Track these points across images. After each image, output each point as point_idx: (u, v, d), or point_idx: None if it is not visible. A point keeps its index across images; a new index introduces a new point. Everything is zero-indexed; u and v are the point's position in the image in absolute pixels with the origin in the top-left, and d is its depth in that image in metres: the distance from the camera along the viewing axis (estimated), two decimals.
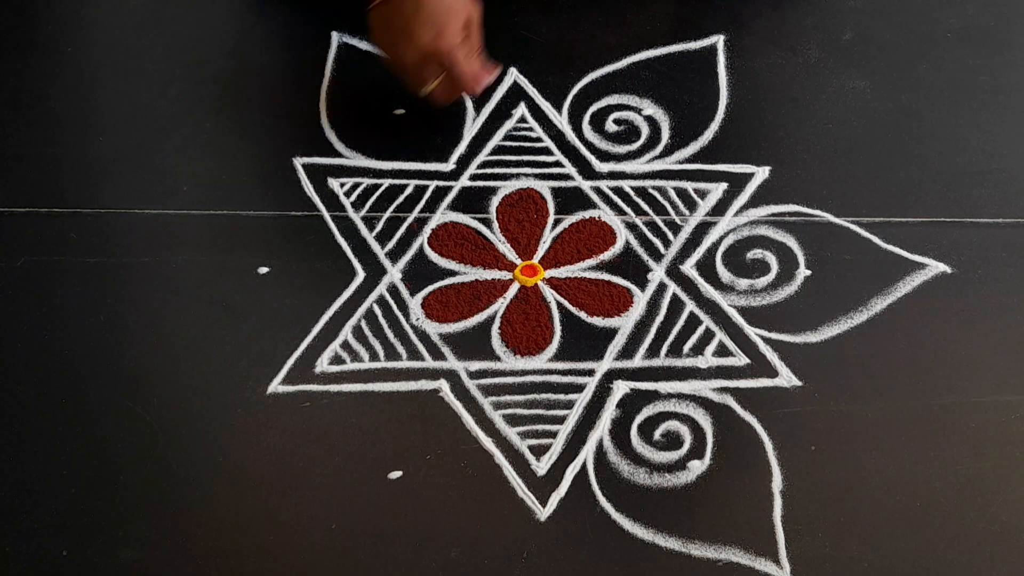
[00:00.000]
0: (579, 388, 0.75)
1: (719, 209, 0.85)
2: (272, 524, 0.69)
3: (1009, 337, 0.78)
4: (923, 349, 0.77)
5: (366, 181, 0.87)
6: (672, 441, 0.73)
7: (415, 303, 0.80)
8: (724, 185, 0.87)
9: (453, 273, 0.82)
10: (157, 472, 0.71)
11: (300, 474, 0.71)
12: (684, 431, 0.73)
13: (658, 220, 0.85)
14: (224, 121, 0.91)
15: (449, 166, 0.88)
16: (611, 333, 0.78)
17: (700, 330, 0.79)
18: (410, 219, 0.85)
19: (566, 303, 0.80)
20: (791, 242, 0.83)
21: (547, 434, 0.73)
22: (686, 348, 0.78)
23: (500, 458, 0.72)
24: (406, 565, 0.68)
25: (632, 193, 0.86)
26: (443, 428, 0.74)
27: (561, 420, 0.74)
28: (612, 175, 0.88)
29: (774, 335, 0.78)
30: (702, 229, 0.84)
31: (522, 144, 0.90)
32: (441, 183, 0.87)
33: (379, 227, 0.84)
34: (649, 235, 0.84)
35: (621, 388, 0.75)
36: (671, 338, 0.78)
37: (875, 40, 0.97)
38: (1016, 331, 0.78)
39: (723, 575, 0.67)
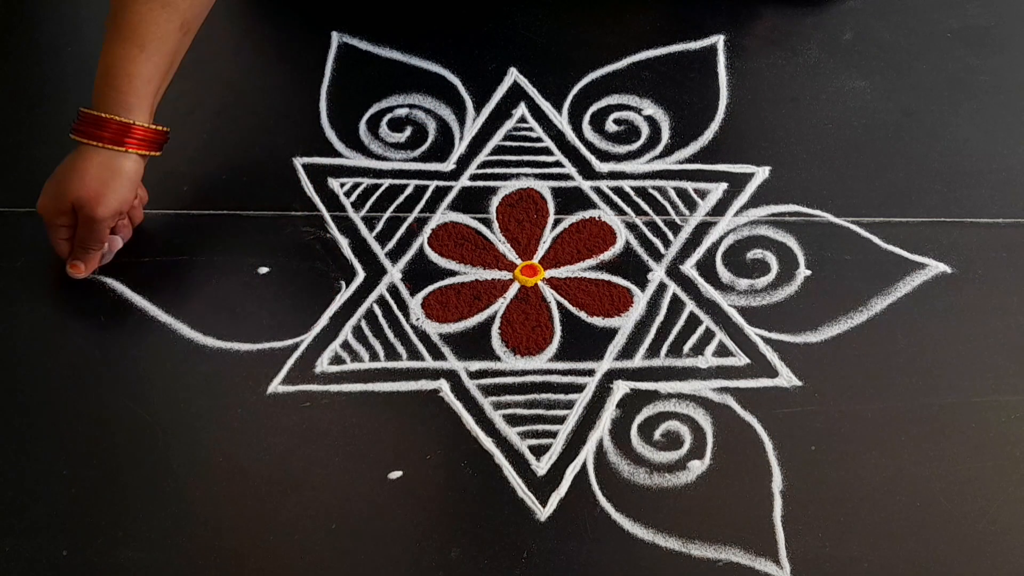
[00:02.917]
0: (579, 388, 0.75)
1: (719, 209, 0.85)
2: (272, 524, 0.69)
3: (1009, 337, 0.78)
4: (923, 349, 0.77)
5: (366, 181, 0.87)
6: (672, 441, 0.73)
7: (415, 303, 0.80)
8: (724, 185, 0.87)
9: (453, 273, 0.82)
10: (157, 472, 0.71)
11: (300, 474, 0.71)
12: (684, 431, 0.73)
13: (658, 220, 0.85)
14: (224, 121, 0.91)
15: (449, 166, 0.88)
16: (611, 333, 0.78)
17: (700, 330, 0.79)
18: (410, 219, 0.85)
19: (566, 303, 0.80)
20: (791, 242, 0.83)
21: (547, 434, 0.73)
22: (686, 348, 0.78)
23: (500, 458, 0.72)
24: (406, 565, 0.68)
25: (632, 193, 0.86)
26: (443, 428, 0.74)
27: (561, 420, 0.74)
28: (612, 175, 0.88)
29: (774, 335, 0.78)
30: (702, 229, 0.84)
31: (522, 144, 0.90)
32: (441, 183, 0.87)
33: (379, 227, 0.84)
34: (649, 235, 0.84)
35: (621, 388, 0.75)
36: (671, 338, 0.78)
37: (875, 40, 0.97)
38: (1016, 331, 0.78)
39: (723, 575, 0.67)
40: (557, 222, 0.85)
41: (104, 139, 0.75)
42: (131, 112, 0.76)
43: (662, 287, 0.81)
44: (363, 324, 0.79)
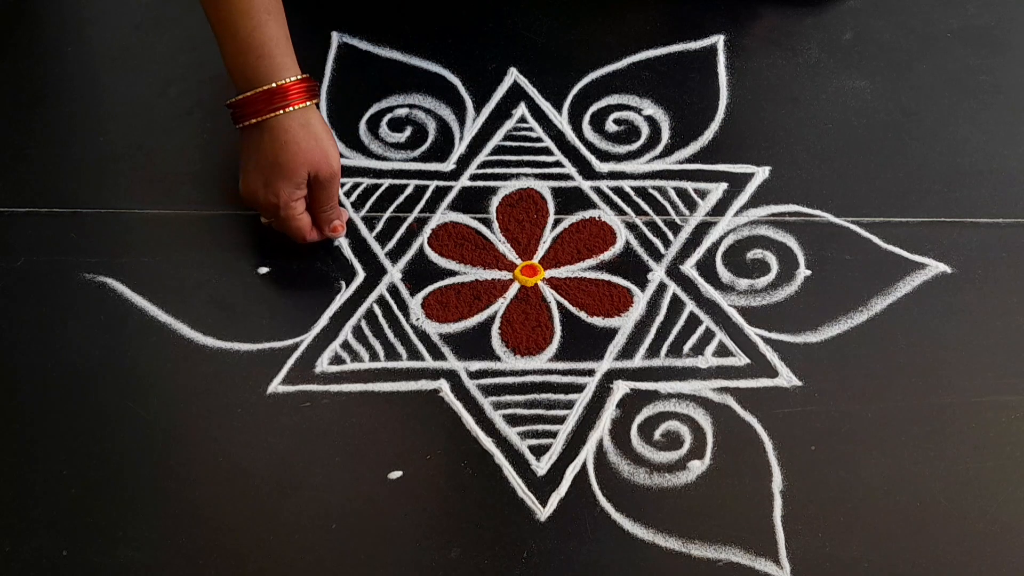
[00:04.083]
0: (579, 388, 0.75)
1: (719, 209, 0.85)
2: (272, 524, 0.69)
3: (1009, 337, 0.78)
4: (923, 349, 0.77)
5: (366, 181, 0.87)
6: (672, 441, 0.73)
7: (415, 303, 0.80)
8: (724, 185, 0.87)
9: (453, 273, 0.82)
10: (157, 472, 0.71)
11: (300, 474, 0.71)
12: (684, 431, 0.73)
13: (658, 220, 0.85)
14: (224, 121, 0.91)
15: (449, 166, 0.88)
16: (611, 333, 0.78)
17: (700, 330, 0.79)
18: (410, 219, 0.85)
19: (566, 303, 0.80)
20: (791, 242, 0.83)
21: (547, 434, 0.73)
22: (686, 348, 0.78)
23: (500, 458, 0.72)
24: (406, 565, 0.68)
25: (632, 193, 0.86)
26: (443, 428, 0.74)
27: (561, 420, 0.74)
28: (612, 175, 0.88)
29: (774, 335, 0.78)
30: (702, 229, 0.84)
31: (522, 144, 0.90)
32: (441, 183, 0.87)
33: (379, 227, 0.84)
34: (649, 235, 0.84)
35: (621, 388, 0.75)
36: (671, 338, 0.78)
37: (875, 40, 0.97)
38: (1016, 331, 0.78)
39: (723, 575, 0.67)
40: (557, 222, 0.85)
41: (293, 103, 0.77)
42: (291, 70, 0.78)
43: (662, 287, 0.81)
44: (363, 324, 0.79)
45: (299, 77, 0.77)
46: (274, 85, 0.76)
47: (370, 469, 0.71)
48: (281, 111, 0.77)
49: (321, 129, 0.78)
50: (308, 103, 0.78)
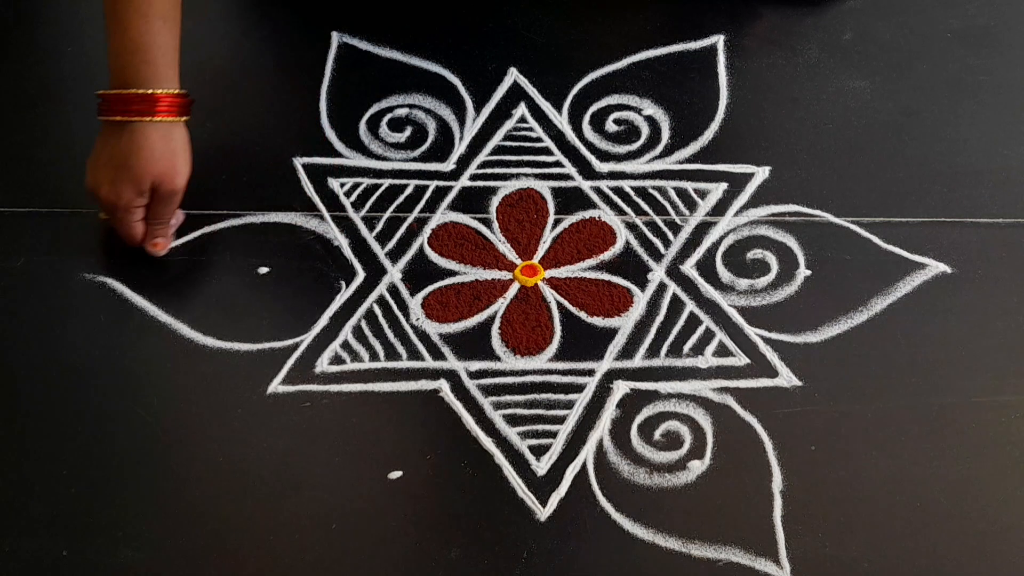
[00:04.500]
0: (579, 388, 0.75)
1: (719, 209, 0.85)
2: (272, 524, 0.69)
3: (1009, 337, 0.78)
4: (923, 349, 0.77)
5: (366, 181, 0.87)
6: (672, 441, 0.73)
7: (415, 303, 0.80)
8: (724, 185, 0.87)
9: (453, 273, 0.82)
10: (157, 472, 0.71)
11: (300, 474, 0.71)
12: (684, 431, 0.73)
13: (658, 220, 0.85)
14: (224, 121, 0.91)
15: (449, 166, 0.88)
16: (611, 333, 0.78)
17: (700, 330, 0.79)
18: (410, 219, 0.85)
19: (566, 303, 0.80)
20: (791, 242, 0.83)
21: (547, 434, 0.73)
22: (686, 348, 0.78)
23: (500, 458, 0.72)
24: (406, 565, 0.68)
25: (632, 193, 0.86)
26: (443, 428, 0.74)
27: (561, 420, 0.74)
28: (612, 175, 0.88)
29: (774, 335, 0.78)
30: (702, 229, 0.84)
31: (522, 144, 0.90)
32: (441, 183, 0.87)
33: (379, 227, 0.84)
34: (649, 235, 0.84)
35: (621, 388, 0.75)
36: (671, 338, 0.78)
37: (875, 40, 0.97)
38: (1016, 331, 0.78)
39: (723, 575, 0.67)
40: (557, 222, 0.85)
41: (160, 113, 0.77)
42: (171, 82, 0.78)
43: (662, 287, 0.81)
44: (363, 324, 0.79)
45: (177, 92, 0.78)
46: (150, 92, 0.76)
47: (370, 469, 0.71)
48: (148, 118, 0.77)
49: (180, 146, 0.78)
50: (177, 119, 0.78)
